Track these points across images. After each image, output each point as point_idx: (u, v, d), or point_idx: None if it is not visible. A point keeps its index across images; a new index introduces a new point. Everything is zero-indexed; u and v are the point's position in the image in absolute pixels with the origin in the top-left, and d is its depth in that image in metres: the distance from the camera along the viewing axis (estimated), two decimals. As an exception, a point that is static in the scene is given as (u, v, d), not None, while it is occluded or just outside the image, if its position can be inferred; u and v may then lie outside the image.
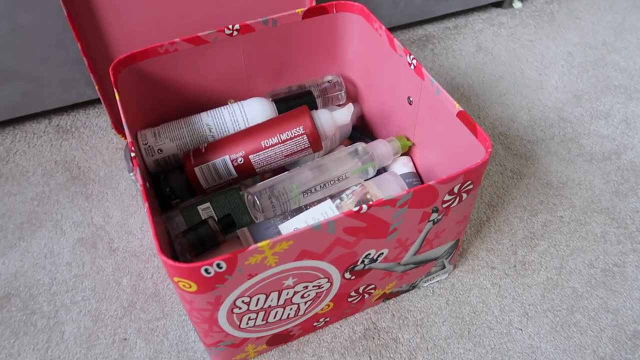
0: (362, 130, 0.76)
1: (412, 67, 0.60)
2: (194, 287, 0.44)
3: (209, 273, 0.43)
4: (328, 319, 0.59)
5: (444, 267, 0.63)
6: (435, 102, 0.58)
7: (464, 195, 0.51)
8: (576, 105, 0.87)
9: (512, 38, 1.01)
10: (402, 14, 0.97)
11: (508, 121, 0.85)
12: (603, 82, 0.92)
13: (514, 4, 1.09)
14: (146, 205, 0.46)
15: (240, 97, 0.72)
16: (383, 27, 0.64)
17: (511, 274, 0.65)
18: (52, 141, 0.82)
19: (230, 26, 0.65)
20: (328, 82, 0.74)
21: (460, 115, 0.54)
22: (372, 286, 0.57)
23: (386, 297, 0.62)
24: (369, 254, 0.51)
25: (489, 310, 0.62)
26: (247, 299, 0.48)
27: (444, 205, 0.51)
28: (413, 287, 0.63)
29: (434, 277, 0.64)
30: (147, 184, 0.54)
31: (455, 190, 0.50)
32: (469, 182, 0.50)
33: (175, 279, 0.44)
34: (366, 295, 0.59)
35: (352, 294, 0.57)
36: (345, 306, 0.58)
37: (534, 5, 1.09)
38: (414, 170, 0.67)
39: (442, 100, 0.56)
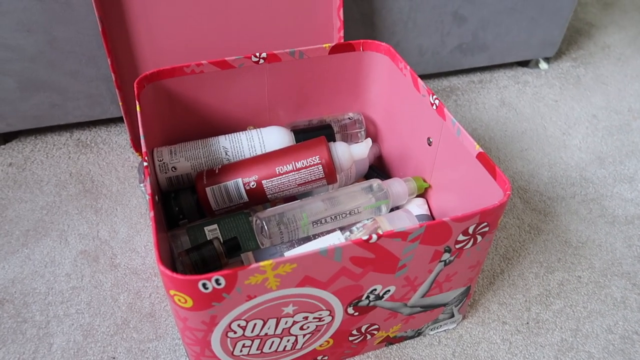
0: (378, 170, 0.75)
1: (435, 107, 0.59)
2: (190, 303, 0.42)
3: (207, 288, 0.41)
4: (326, 358, 0.56)
5: (452, 315, 0.60)
6: (455, 143, 0.57)
7: (479, 238, 0.49)
8: (599, 167, 0.86)
9: (536, 96, 1.01)
10: (428, 63, 0.98)
11: (528, 176, 0.83)
12: (628, 146, 0.90)
13: (540, 65, 1.10)
14: (151, 213, 0.45)
15: (260, 125, 0.73)
16: (408, 67, 0.64)
17: (523, 331, 0.62)
18: (70, 154, 0.83)
19: (258, 54, 0.66)
20: (349, 119, 0.74)
21: (480, 156, 0.53)
22: (376, 326, 0.55)
23: (389, 341, 0.59)
24: (375, 290, 0.49)
25: (497, 367, 0.58)
26: (243, 323, 0.46)
27: (457, 246, 0.49)
28: (419, 333, 0.60)
29: (441, 326, 0.60)
30: (156, 197, 0.53)
31: (470, 230, 0.48)
32: (485, 223, 0.48)
33: (172, 292, 0.42)
34: (368, 336, 0.56)
35: (354, 332, 0.54)
36: (345, 345, 0.55)
37: (560, 68, 1.10)
38: (429, 213, 0.66)
39: (462, 141, 0.55)
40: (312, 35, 0.80)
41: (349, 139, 0.73)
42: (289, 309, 0.46)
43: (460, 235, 0.48)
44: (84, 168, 0.80)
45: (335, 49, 0.69)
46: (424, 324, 0.58)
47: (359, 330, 0.54)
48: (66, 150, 0.83)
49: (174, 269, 0.56)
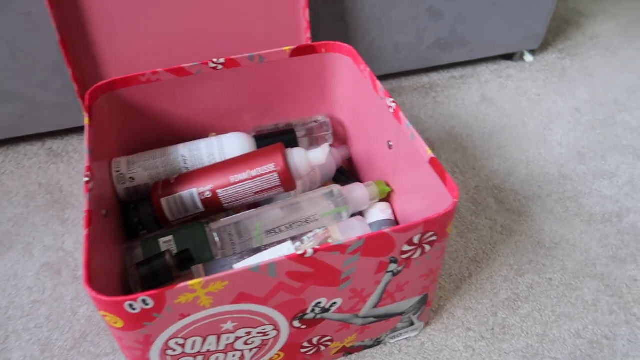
0: (347, 173, 0.74)
1: (391, 110, 0.58)
2: (120, 323, 0.41)
3: (134, 309, 0.40)
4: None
5: (412, 323, 0.58)
6: (410, 147, 0.56)
7: (427, 247, 0.48)
8: (579, 163, 0.83)
9: (519, 91, 0.98)
10: (406, 60, 0.96)
11: (505, 174, 0.81)
12: (611, 140, 0.87)
13: (525, 57, 1.07)
14: (85, 232, 0.45)
15: (223, 131, 0.72)
16: (368, 69, 0.62)
17: (488, 338, 0.61)
18: (41, 164, 0.83)
19: (215, 60, 0.65)
20: (315, 122, 0.72)
21: (432, 162, 0.51)
22: (328, 338, 0.54)
23: (347, 351, 0.58)
24: (320, 303, 0.48)
25: (459, 375, 0.57)
26: (181, 341, 0.45)
27: (404, 257, 0.48)
28: (378, 342, 0.59)
29: (401, 334, 0.59)
30: (104, 212, 0.53)
31: (416, 240, 0.46)
32: (432, 233, 0.47)
33: (101, 313, 0.41)
34: (322, 348, 0.55)
35: (305, 344, 0.53)
36: (298, 357, 0.54)
37: (545, 60, 1.07)
38: (392, 218, 0.64)
39: (415, 145, 0.54)
40: (280, 38, 0.79)
41: (316, 142, 0.72)
42: (229, 326, 0.46)
43: (405, 245, 0.46)
44: (53, 178, 0.80)
45: (296, 52, 0.67)
46: (381, 333, 0.57)
47: (310, 342, 0.53)
48: (37, 160, 0.83)
49: (127, 283, 0.55)
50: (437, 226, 0.46)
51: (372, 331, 0.56)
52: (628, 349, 0.59)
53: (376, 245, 0.45)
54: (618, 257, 0.69)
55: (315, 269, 0.44)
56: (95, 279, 0.44)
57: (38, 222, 0.73)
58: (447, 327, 0.61)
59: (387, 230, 0.44)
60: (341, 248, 0.43)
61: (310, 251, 0.42)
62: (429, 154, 0.51)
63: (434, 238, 0.47)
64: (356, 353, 0.59)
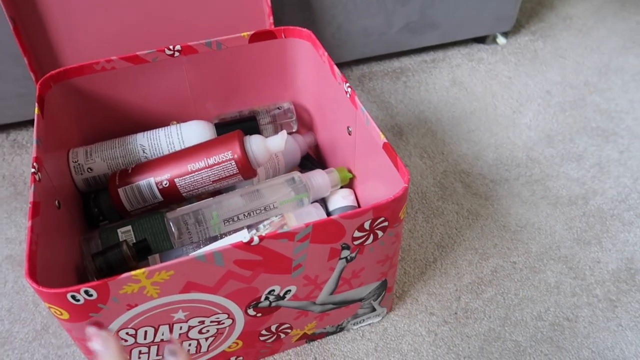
0: (313, 160, 0.73)
1: (348, 95, 0.57)
2: (66, 315, 0.41)
3: (78, 300, 0.40)
4: (241, 359, 0.55)
5: (374, 309, 0.58)
6: (366, 132, 0.55)
7: (380, 233, 0.48)
8: (547, 146, 0.83)
9: (490, 74, 0.98)
10: (376, 45, 0.95)
11: (472, 159, 0.81)
12: (580, 123, 0.87)
13: (497, 40, 1.06)
14: (29, 223, 0.44)
15: (186, 119, 0.71)
16: (326, 54, 0.61)
17: (450, 322, 0.61)
18: (4, 155, 0.81)
19: (172, 46, 0.64)
20: (278, 109, 0.72)
21: (385, 147, 0.51)
22: (287, 325, 0.53)
23: (308, 338, 0.58)
24: (273, 290, 0.48)
25: None
26: (132, 331, 0.45)
27: (356, 242, 0.47)
28: (340, 328, 0.59)
29: (364, 320, 0.59)
30: (57, 202, 0.52)
31: (366, 226, 0.46)
32: (382, 218, 0.46)
33: (46, 305, 0.41)
34: (282, 335, 0.55)
35: (264, 332, 0.53)
36: (258, 345, 0.54)
37: (518, 42, 1.06)
38: (355, 204, 0.64)
39: (370, 130, 0.53)
40: (242, 24, 0.78)
41: (280, 129, 0.71)
42: (180, 315, 0.45)
43: (356, 231, 0.46)
44: (17, 169, 0.79)
45: (255, 37, 0.66)
46: (342, 320, 0.57)
47: (268, 330, 0.53)
48: (1, 151, 0.82)
49: (85, 276, 0.55)
50: (387, 212, 0.46)
51: (332, 318, 0.56)
52: (589, 330, 0.60)
53: (325, 232, 0.44)
54: (582, 240, 0.69)
55: (265, 257, 0.44)
56: (45, 273, 0.43)
57: (0, 215, 0.72)
58: (411, 312, 0.62)
59: (334, 217, 0.44)
60: (289, 235, 0.43)
61: (256, 239, 0.42)
62: (382, 138, 0.51)
63: (385, 224, 0.47)
64: (318, 340, 0.59)
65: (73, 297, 0.39)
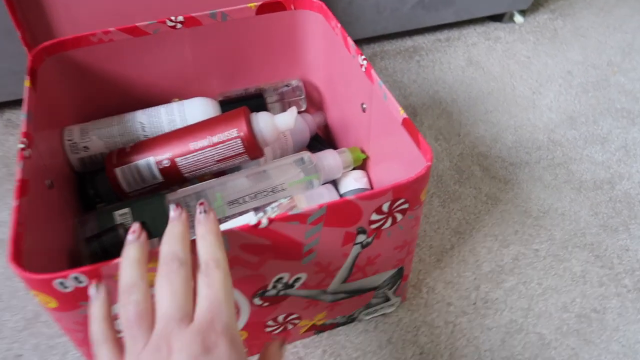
0: (323, 141, 0.69)
1: (363, 69, 0.53)
2: (54, 304, 0.37)
3: (66, 287, 0.36)
4: (246, 350, 0.52)
5: (388, 299, 0.55)
6: (383, 108, 0.51)
7: (399, 216, 0.44)
8: (570, 128, 0.79)
9: (507, 53, 0.93)
10: (388, 22, 0.91)
11: (491, 141, 0.76)
12: (604, 104, 0.83)
13: (515, 19, 1.01)
14: (15, 203, 0.40)
15: (189, 97, 0.66)
16: (339, 26, 0.57)
17: (470, 313, 0.57)
18: (-2, 135, 0.78)
19: (174, 18, 0.59)
20: (287, 86, 0.67)
21: (404, 122, 0.47)
22: (295, 316, 0.50)
23: (317, 329, 0.54)
24: (282, 278, 0.44)
25: (437, 353, 0.54)
26: None
27: (373, 226, 0.43)
28: (352, 319, 0.55)
29: (377, 310, 0.55)
30: (49, 183, 0.48)
31: (385, 209, 0.42)
32: (402, 200, 0.42)
33: (33, 293, 0.37)
34: (290, 326, 0.51)
35: (270, 323, 0.49)
36: (264, 337, 0.51)
37: (536, 21, 1.01)
38: (368, 187, 0.60)
39: (388, 106, 0.49)
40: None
41: (288, 107, 0.67)
42: (181, 304, 0.42)
43: (374, 214, 0.42)
44: (11, 150, 0.75)
45: (262, 9, 0.62)
46: (354, 310, 0.53)
47: (275, 320, 0.49)
48: (-6, 131, 0.78)
49: (78, 262, 0.51)
50: (408, 193, 0.42)
51: (343, 308, 0.52)
52: (618, 322, 0.56)
53: (340, 214, 0.40)
54: (609, 226, 0.65)
55: (273, 241, 0.40)
56: (31, 256, 0.39)
57: (-8, 197, 0.68)
58: (427, 302, 0.58)
59: (351, 197, 0.40)
60: (300, 217, 0.39)
61: (264, 221, 0.38)
62: (402, 114, 0.47)
63: (405, 206, 0.43)
64: (329, 330, 0.55)
65: (61, 283, 0.35)
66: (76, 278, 0.36)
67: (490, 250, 0.63)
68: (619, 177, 0.71)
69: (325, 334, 0.55)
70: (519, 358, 0.53)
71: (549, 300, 0.58)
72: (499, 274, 0.60)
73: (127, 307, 0.31)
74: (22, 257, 0.37)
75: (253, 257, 0.40)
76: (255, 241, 0.39)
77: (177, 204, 0.36)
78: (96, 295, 0.33)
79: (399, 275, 0.52)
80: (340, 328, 0.55)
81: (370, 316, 0.56)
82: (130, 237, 0.34)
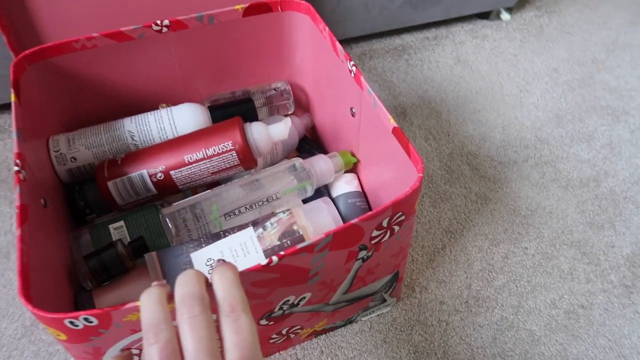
0: (311, 142, 0.70)
1: (352, 74, 0.53)
2: (64, 337, 0.37)
3: (77, 326, 0.36)
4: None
5: (384, 300, 0.56)
6: (373, 115, 0.51)
7: (396, 228, 0.45)
8: (556, 126, 0.80)
9: (495, 52, 0.94)
10: (376, 20, 0.91)
11: (479, 140, 0.78)
12: (589, 102, 0.84)
13: (501, 16, 1.02)
14: (18, 231, 0.40)
15: (176, 101, 0.66)
16: (327, 29, 0.57)
17: (462, 311, 0.58)
18: (-13, 142, 0.77)
19: (159, 21, 0.59)
20: (274, 89, 0.68)
21: (395, 132, 0.47)
22: (298, 327, 0.51)
23: (318, 334, 0.55)
24: (288, 300, 0.45)
25: (431, 351, 0.55)
26: (136, 351, 0.41)
27: (373, 242, 0.44)
28: (350, 321, 0.56)
29: (374, 311, 0.57)
30: (43, 202, 0.48)
31: (385, 224, 0.43)
32: (400, 213, 0.43)
33: (43, 325, 0.37)
34: (292, 335, 0.52)
35: (274, 336, 0.50)
36: (267, 348, 0.51)
37: (523, 18, 1.02)
38: (359, 190, 0.61)
39: (378, 113, 0.50)
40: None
41: (276, 111, 0.68)
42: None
43: (375, 231, 0.43)
44: (0, 155, 0.75)
45: (249, 11, 0.62)
46: (353, 314, 0.54)
47: (279, 333, 0.50)
48: (-17, 138, 0.78)
49: (75, 276, 0.51)
50: (405, 206, 0.42)
51: (343, 314, 0.53)
52: (605, 317, 0.58)
53: (345, 237, 0.41)
54: (595, 223, 0.67)
55: (282, 273, 0.40)
56: (36, 281, 0.39)
57: (-17, 206, 0.68)
58: (420, 302, 0.59)
59: (355, 221, 0.40)
60: (309, 249, 0.39)
61: (275, 259, 0.38)
62: (392, 123, 0.47)
63: (402, 218, 0.44)
64: (327, 333, 0.56)
65: (71, 322, 0.36)
66: (86, 319, 0.36)
67: (480, 249, 0.64)
68: (604, 174, 0.73)
69: (322, 336, 0.56)
70: (510, 354, 0.55)
71: (538, 297, 0.59)
72: (490, 272, 0.62)
73: (155, 346, 0.30)
74: (29, 290, 0.37)
75: (262, 289, 0.41)
76: (265, 277, 0.39)
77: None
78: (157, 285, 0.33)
79: (395, 278, 0.53)
80: (337, 330, 0.56)
81: (367, 317, 0.57)
82: (153, 283, 0.34)
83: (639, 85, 0.87)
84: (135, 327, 0.38)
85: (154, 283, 0.33)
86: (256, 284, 0.40)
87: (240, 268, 0.37)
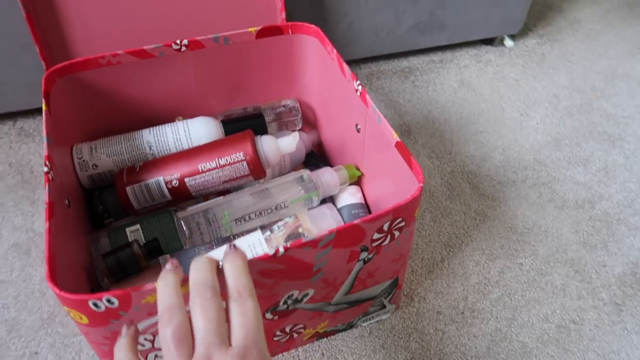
0: (318, 157, 0.73)
1: (358, 93, 0.57)
2: (85, 320, 0.40)
3: (99, 308, 0.39)
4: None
5: (384, 306, 0.59)
6: (377, 131, 0.55)
7: (397, 233, 0.48)
8: (555, 149, 0.83)
9: (497, 76, 0.98)
10: (384, 43, 0.95)
11: (480, 160, 0.81)
12: (587, 127, 0.88)
13: (505, 42, 1.06)
14: (46, 225, 0.43)
15: (191, 115, 0.70)
16: (335, 51, 0.61)
17: (458, 321, 0.61)
18: (12, 143, 0.81)
19: (179, 41, 0.63)
20: (284, 106, 0.71)
21: (397, 145, 0.51)
22: (301, 326, 0.53)
23: (320, 336, 0.58)
24: (292, 295, 0.48)
25: (427, 358, 0.57)
26: (150, 337, 0.44)
27: (374, 244, 0.47)
28: (350, 326, 0.59)
29: (373, 317, 0.59)
30: (66, 202, 0.52)
31: (385, 228, 0.46)
32: (400, 219, 0.46)
33: (66, 309, 0.40)
34: (295, 335, 0.55)
35: (278, 333, 0.53)
36: (271, 345, 0.54)
37: (525, 45, 1.06)
38: (362, 202, 0.64)
39: (382, 129, 0.53)
40: (255, 19, 0.77)
41: (285, 127, 0.71)
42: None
43: (375, 233, 0.46)
44: (24, 158, 0.79)
45: (262, 33, 0.66)
46: (354, 317, 0.57)
47: (282, 330, 0.53)
48: (8, 139, 0.82)
49: (93, 274, 0.54)
50: (405, 212, 0.46)
51: (344, 316, 0.56)
52: (594, 333, 0.60)
53: (347, 236, 0.44)
54: (589, 243, 0.70)
55: (287, 265, 0.43)
56: (59, 273, 0.43)
57: (7, 202, 0.72)
58: (418, 311, 0.62)
59: (357, 221, 0.43)
60: (313, 243, 0.43)
61: (281, 250, 0.41)
62: (395, 137, 0.51)
63: (402, 224, 0.47)
64: (328, 337, 0.59)
65: (95, 304, 0.39)
66: (109, 300, 0.39)
67: (478, 263, 0.67)
68: (599, 197, 0.76)
69: (324, 340, 0.58)
70: (502, 365, 0.57)
71: (531, 311, 0.62)
72: (486, 285, 0.64)
73: (168, 328, 0.33)
74: (56, 276, 0.41)
75: (269, 279, 0.44)
76: (271, 267, 0.43)
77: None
78: (126, 332, 0.36)
79: (395, 284, 0.56)
80: (338, 334, 0.59)
81: (367, 323, 0.60)
82: (168, 266, 0.37)
83: (635, 113, 0.90)
84: (152, 310, 0.41)
85: (168, 266, 0.37)
86: (263, 273, 0.43)
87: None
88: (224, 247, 0.52)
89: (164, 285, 0.36)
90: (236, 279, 0.36)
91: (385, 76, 0.97)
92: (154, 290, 0.39)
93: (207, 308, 0.34)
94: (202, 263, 0.36)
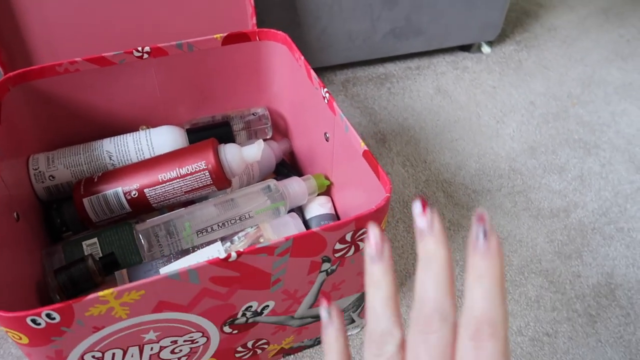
0: (289, 167, 0.71)
1: (326, 100, 0.55)
2: (25, 340, 0.38)
3: (39, 324, 0.37)
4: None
5: (353, 321, 0.57)
6: (345, 139, 0.53)
7: (361, 245, 0.46)
8: (530, 157, 0.82)
9: (474, 83, 0.97)
10: (360, 50, 0.94)
11: (455, 168, 0.80)
12: (563, 134, 0.87)
13: (482, 49, 1.05)
14: None
15: (156, 124, 0.68)
16: (302, 58, 0.60)
17: (429, 337, 0.59)
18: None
19: (140, 48, 0.61)
20: (253, 114, 0.69)
21: (365, 154, 0.49)
22: (264, 341, 0.51)
23: (286, 352, 0.56)
24: (251, 306, 0.46)
25: (397, 376, 0.56)
26: (98, 354, 0.42)
27: (337, 255, 0.45)
28: (318, 342, 0.57)
29: (340, 334, 0.57)
30: (15, 216, 0.49)
31: (348, 238, 0.44)
32: (364, 229, 0.44)
33: (3, 329, 0.38)
34: (259, 351, 0.53)
35: (240, 349, 0.51)
36: (231, 362, 0.52)
37: (503, 52, 1.06)
38: (333, 212, 0.62)
39: (350, 138, 0.52)
40: (225, 24, 0.75)
41: (254, 135, 0.69)
42: (151, 335, 0.43)
43: (337, 244, 0.44)
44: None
45: (228, 40, 0.64)
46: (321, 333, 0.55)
47: (245, 346, 0.50)
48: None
49: (47, 292, 0.51)
50: (369, 222, 0.44)
51: (310, 331, 0.54)
52: (568, 346, 0.59)
53: (306, 245, 0.42)
54: (563, 253, 0.69)
55: (242, 273, 0.42)
56: (1, 292, 0.40)
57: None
58: (388, 327, 0.60)
59: (316, 229, 0.42)
60: (268, 250, 0.41)
61: (234, 255, 0.40)
62: (362, 146, 0.49)
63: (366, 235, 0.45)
64: (296, 353, 0.57)
65: (33, 320, 0.36)
66: (48, 315, 0.36)
67: (450, 276, 0.65)
68: (574, 205, 0.75)
69: (291, 357, 0.56)
70: (474, 381, 0.55)
71: (504, 324, 0.61)
72: (459, 298, 0.63)
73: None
74: None
75: (222, 288, 0.42)
76: (224, 273, 0.41)
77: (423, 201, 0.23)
78: (329, 321, 0.25)
79: (363, 298, 0.54)
80: (306, 351, 0.57)
81: (334, 340, 0.58)
82: (371, 249, 0.24)
83: (611, 120, 0.90)
84: (97, 324, 0.39)
85: (372, 251, 0.24)
86: (215, 281, 0.41)
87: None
88: (184, 259, 0.50)
89: (375, 296, 0.24)
90: (484, 304, 0.21)
91: (361, 83, 0.96)
92: (97, 301, 0.36)
93: (430, 342, 0.22)
94: (441, 274, 0.22)
